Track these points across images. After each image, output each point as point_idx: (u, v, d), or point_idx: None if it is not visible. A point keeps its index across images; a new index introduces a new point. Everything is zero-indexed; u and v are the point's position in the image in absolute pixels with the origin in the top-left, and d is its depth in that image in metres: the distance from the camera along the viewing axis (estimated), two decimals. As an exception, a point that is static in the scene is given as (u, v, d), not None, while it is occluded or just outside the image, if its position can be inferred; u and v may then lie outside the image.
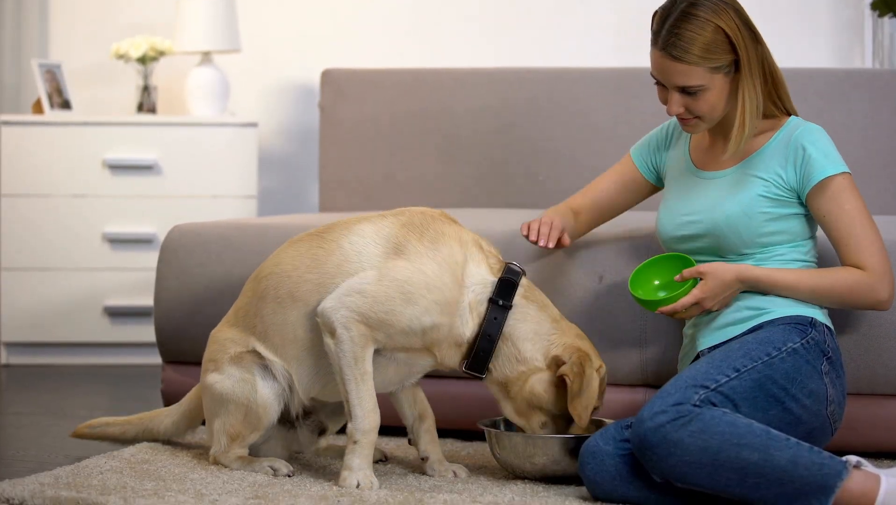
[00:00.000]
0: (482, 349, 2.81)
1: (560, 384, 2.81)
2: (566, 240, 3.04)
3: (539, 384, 2.82)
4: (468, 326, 2.81)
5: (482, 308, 2.81)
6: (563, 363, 2.79)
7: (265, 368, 2.86)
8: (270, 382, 2.86)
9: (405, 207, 2.94)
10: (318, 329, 2.81)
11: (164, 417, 3.15)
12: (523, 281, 2.86)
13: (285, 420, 2.96)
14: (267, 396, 2.86)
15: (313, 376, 2.87)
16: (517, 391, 2.83)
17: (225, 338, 2.93)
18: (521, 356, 2.82)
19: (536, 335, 2.83)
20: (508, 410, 2.87)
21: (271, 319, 2.87)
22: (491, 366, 2.83)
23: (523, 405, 2.83)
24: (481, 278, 2.83)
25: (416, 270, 2.77)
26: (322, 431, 3.06)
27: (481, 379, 2.85)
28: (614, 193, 3.10)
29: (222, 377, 2.89)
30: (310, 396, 2.91)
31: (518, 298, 2.84)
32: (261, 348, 2.87)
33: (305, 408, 2.95)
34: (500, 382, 2.84)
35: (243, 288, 2.99)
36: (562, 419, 2.85)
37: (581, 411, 2.79)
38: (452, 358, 2.83)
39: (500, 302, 2.81)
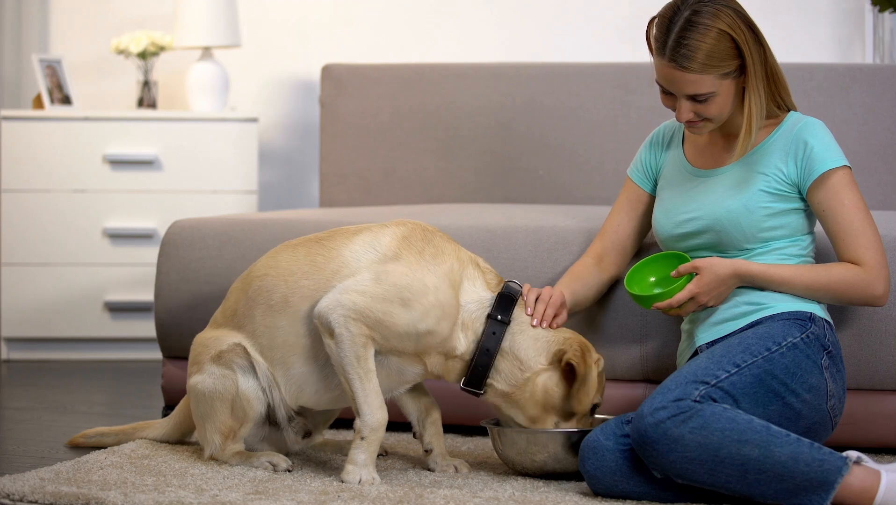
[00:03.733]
0: (480, 365, 2.80)
1: (568, 378, 2.81)
2: (561, 320, 2.88)
3: (550, 381, 2.81)
4: (461, 342, 2.81)
5: (477, 325, 2.81)
6: (566, 353, 2.80)
7: (248, 366, 2.86)
8: (252, 379, 2.86)
9: (405, 220, 2.92)
10: (310, 335, 2.82)
11: (158, 427, 3.16)
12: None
13: (271, 421, 2.95)
14: (249, 388, 2.86)
15: (302, 383, 2.86)
16: (527, 397, 2.81)
17: (208, 338, 2.93)
18: (523, 365, 2.81)
19: (535, 340, 2.82)
20: (520, 418, 2.85)
21: (262, 321, 2.86)
22: (491, 381, 2.82)
23: (537, 409, 2.82)
24: (477, 297, 2.83)
25: (416, 279, 2.76)
26: (307, 434, 3.06)
27: (479, 395, 2.84)
28: (626, 222, 3.07)
29: (204, 377, 2.89)
30: (298, 403, 2.90)
31: (517, 311, 2.84)
32: (248, 345, 2.86)
33: (293, 411, 2.94)
34: (504, 393, 2.83)
35: (230, 290, 2.98)
36: (574, 417, 2.85)
37: (583, 396, 2.80)
38: (440, 367, 2.83)
39: (499, 317, 2.81)
